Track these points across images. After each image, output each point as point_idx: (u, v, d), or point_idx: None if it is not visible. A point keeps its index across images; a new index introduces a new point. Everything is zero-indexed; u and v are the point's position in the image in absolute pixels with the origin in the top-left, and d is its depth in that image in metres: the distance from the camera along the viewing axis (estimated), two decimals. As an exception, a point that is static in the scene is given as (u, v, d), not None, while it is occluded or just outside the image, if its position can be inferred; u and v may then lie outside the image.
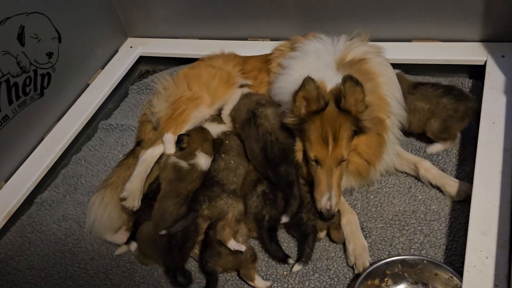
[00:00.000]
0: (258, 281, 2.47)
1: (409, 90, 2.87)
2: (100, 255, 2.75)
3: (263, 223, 2.52)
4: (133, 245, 2.65)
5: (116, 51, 4.10)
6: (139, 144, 3.12)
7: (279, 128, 2.63)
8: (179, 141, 2.84)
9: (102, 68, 3.93)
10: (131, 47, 4.13)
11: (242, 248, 2.43)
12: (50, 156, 3.27)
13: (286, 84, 2.62)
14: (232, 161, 2.75)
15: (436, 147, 2.91)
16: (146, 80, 3.98)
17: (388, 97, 2.58)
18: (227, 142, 2.85)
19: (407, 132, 2.88)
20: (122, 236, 2.76)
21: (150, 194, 2.80)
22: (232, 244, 2.43)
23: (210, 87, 3.04)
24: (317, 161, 2.43)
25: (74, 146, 3.51)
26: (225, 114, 3.00)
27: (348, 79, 2.27)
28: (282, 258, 2.50)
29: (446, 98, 2.81)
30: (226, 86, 3.07)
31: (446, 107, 2.79)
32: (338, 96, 2.34)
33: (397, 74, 2.85)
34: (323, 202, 2.43)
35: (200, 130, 2.95)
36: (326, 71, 2.51)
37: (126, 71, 3.96)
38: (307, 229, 2.48)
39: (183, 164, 2.76)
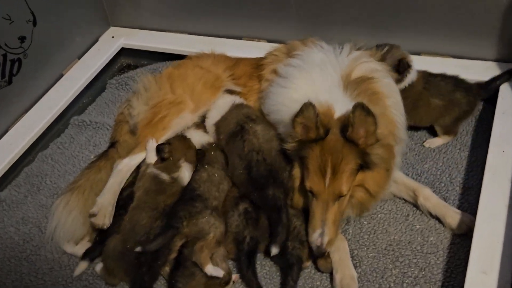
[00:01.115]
0: None
1: (424, 85, 2.98)
2: (60, 266, 2.73)
3: (243, 245, 2.52)
4: (99, 266, 2.61)
5: (96, 41, 4.11)
6: (113, 146, 3.11)
7: (269, 148, 2.65)
8: (159, 151, 2.84)
9: (79, 58, 3.94)
10: (113, 37, 4.14)
11: (220, 273, 2.43)
12: (14, 151, 3.27)
13: (286, 100, 2.60)
14: (216, 174, 2.75)
15: (437, 141, 3.04)
16: (127, 75, 3.99)
17: (397, 122, 2.59)
18: (212, 153, 2.86)
19: (410, 126, 2.97)
20: (84, 248, 2.73)
21: (120, 202, 2.79)
22: (210, 269, 2.43)
23: (195, 91, 3.04)
24: (312, 193, 2.44)
25: (41, 142, 3.50)
26: (210, 123, 2.99)
27: (359, 107, 2.26)
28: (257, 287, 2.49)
29: (459, 92, 2.97)
30: (212, 90, 3.06)
31: (460, 103, 2.96)
32: (345, 124, 2.33)
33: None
34: (314, 237, 2.42)
35: (181, 137, 2.95)
36: (332, 91, 2.51)
37: (106, 63, 3.97)
38: (292, 259, 2.48)
39: (165, 177, 2.76)
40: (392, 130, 2.54)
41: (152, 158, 2.87)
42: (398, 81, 2.89)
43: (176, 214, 2.56)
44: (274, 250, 2.47)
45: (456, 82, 3.03)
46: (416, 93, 2.97)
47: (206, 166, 2.77)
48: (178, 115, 2.98)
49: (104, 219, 2.69)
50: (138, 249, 2.44)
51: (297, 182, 2.55)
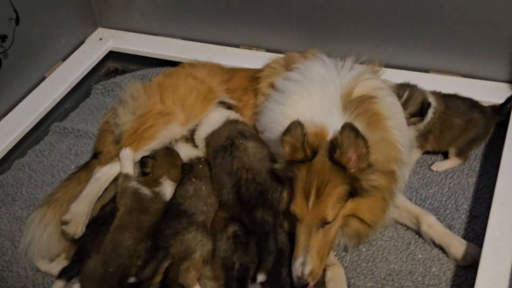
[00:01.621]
0: None
1: (445, 106, 3.03)
2: (34, 284, 2.72)
3: (233, 272, 2.51)
4: (76, 287, 2.58)
5: (82, 42, 4.11)
6: (96, 157, 3.11)
7: (260, 167, 2.65)
8: (142, 164, 2.84)
9: (63, 60, 3.94)
10: (100, 39, 4.14)
11: None
12: (-12, 158, 3.25)
13: (281, 118, 2.60)
14: (203, 188, 2.75)
15: (445, 165, 3.09)
16: (114, 80, 4.00)
17: (400, 145, 2.59)
18: (200, 166, 2.86)
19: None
20: (59, 266, 2.71)
21: (101, 219, 2.78)
22: None
23: (185, 103, 3.04)
24: (296, 218, 2.43)
25: (19, 149, 3.49)
26: (200, 136, 3.00)
27: (348, 128, 2.26)
28: None
29: (476, 113, 3.04)
30: (205, 103, 3.06)
31: (478, 123, 3.03)
32: (334, 146, 2.32)
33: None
34: (295, 266, 2.40)
35: (168, 152, 2.95)
36: (329, 111, 2.51)
37: (92, 66, 3.98)
38: (285, 285, 2.48)
39: (146, 191, 2.76)
40: (394, 155, 2.53)
41: (127, 167, 2.88)
42: (419, 121, 2.98)
43: (162, 233, 2.55)
44: (260, 278, 2.48)
45: (472, 102, 3.10)
46: (440, 117, 3.01)
47: (193, 179, 2.77)
48: (166, 126, 2.99)
49: (77, 229, 2.69)
50: (132, 279, 2.44)
51: (285, 205, 2.56)
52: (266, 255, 2.49)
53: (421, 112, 2.93)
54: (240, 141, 2.77)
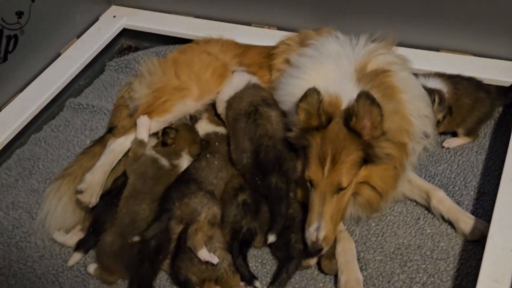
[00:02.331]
0: None
1: (453, 87, 3.05)
2: (51, 254, 2.78)
3: (239, 235, 2.58)
4: (91, 267, 2.64)
5: (97, 19, 4.13)
6: (111, 131, 3.16)
7: (280, 136, 2.70)
8: (164, 134, 2.88)
9: (78, 37, 3.97)
10: (114, 16, 4.17)
11: (215, 260, 2.46)
12: (6, 133, 3.30)
13: (297, 91, 2.59)
14: (215, 162, 2.81)
15: (456, 141, 3.13)
16: (127, 57, 4.03)
17: (413, 117, 2.63)
18: (216, 144, 2.91)
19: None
20: (74, 237, 2.78)
21: (114, 191, 2.84)
22: (203, 254, 2.46)
23: (201, 78, 3.08)
24: (311, 183, 2.48)
25: (35, 123, 3.54)
26: (222, 99, 3.05)
27: (364, 96, 2.30)
28: (247, 278, 2.53)
29: (482, 92, 3.07)
30: (220, 80, 3.11)
31: (484, 101, 3.05)
32: (350, 114, 2.37)
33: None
34: (309, 232, 2.45)
35: (190, 128, 3.01)
36: (344, 83, 2.55)
37: (106, 44, 4.00)
38: (293, 252, 2.54)
39: (164, 162, 2.81)
40: (406, 127, 2.57)
41: (142, 133, 2.92)
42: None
43: (169, 195, 2.61)
44: (271, 238, 2.55)
45: (477, 82, 3.13)
46: (451, 99, 3.03)
47: (207, 156, 2.83)
48: (181, 101, 3.04)
49: (91, 198, 2.75)
50: (136, 238, 2.49)
51: (298, 174, 2.61)
52: (278, 218, 2.56)
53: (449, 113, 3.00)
54: (264, 109, 2.83)
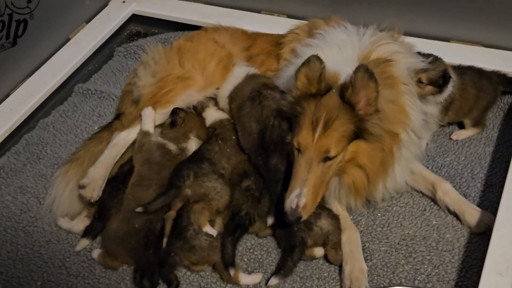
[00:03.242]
0: (244, 277, 2.54)
1: (460, 79, 3.02)
2: (58, 239, 2.80)
3: (237, 217, 2.61)
4: (95, 253, 2.67)
5: (106, 4, 4.13)
6: (118, 118, 3.18)
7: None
8: (173, 113, 2.90)
9: (87, 22, 3.98)
10: (124, 1, 4.16)
11: (215, 233, 2.51)
12: (14, 117, 3.32)
13: None
14: (228, 150, 2.82)
15: (464, 133, 3.12)
16: (136, 43, 4.02)
17: (410, 109, 2.62)
18: (227, 131, 2.92)
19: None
20: (80, 224, 2.79)
21: (120, 177, 2.86)
22: (208, 229, 2.51)
23: (206, 69, 3.08)
24: (299, 149, 2.46)
25: (43, 108, 3.56)
26: (223, 95, 3.05)
27: (362, 69, 2.31)
28: (225, 262, 2.53)
29: (484, 80, 3.07)
30: (226, 72, 3.10)
31: (487, 89, 3.05)
32: (346, 87, 2.37)
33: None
34: (290, 198, 2.41)
35: (197, 114, 3.02)
36: (344, 65, 2.55)
37: (115, 29, 4.01)
38: (295, 241, 2.55)
39: (172, 147, 2.82)
40: (402, 118, 2.56)
41: (148, 125, 2.93)
42: (437, 93, 2.90)
43: (180, 172, 2.63)
44: (269, 221, 2.57)
45: (478, 70, 3.12)
46: (459, 88, 3.00)
47: (220, 141, 2.84)
48: (184, 91, 3.04)
49: (93, 192, 2.76)
50: (139, 209, 2.52)
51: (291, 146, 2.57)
52: (274, 197, 2.58)
53: (440, 82, 2.87)
54: (268, 92, 2.84)
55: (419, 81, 2.81)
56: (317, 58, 2.40)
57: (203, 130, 2.94)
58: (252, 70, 3.08)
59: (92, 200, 2.76)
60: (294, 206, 2.37)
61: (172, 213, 2.58)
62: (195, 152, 2.82)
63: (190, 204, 2.60)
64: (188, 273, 2.62)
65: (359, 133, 2.41)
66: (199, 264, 2.57)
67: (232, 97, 3.00)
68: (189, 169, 2.63)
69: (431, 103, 2.92)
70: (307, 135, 2.41)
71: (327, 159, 2.41)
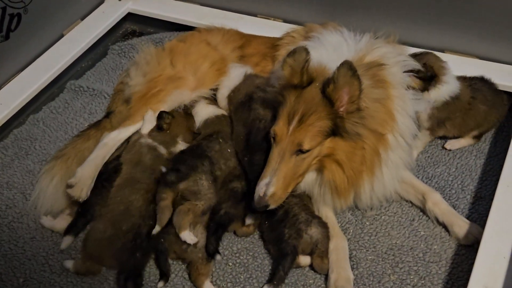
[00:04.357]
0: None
1: (471, 94, 3.00)
2: (42, 236, 2.78)
3: (216, 216, 2.63)
4: (69, 263, 2.60)
5: (102, 2, 4.11)
6: (108, 116, 3.17)
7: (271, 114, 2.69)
8: (159, 118, 2.89)
9: (82, 19, 3.95)
10: (119, 0, 4.14)
11: (194, 240, 2.49)
12: (4, 111, 3.30)
13: None
14: (228, 150, 2.82)
15: (458, 143, 3.09)
16: (131, 42, 4.01)
17: (398, 113, 2.60)
18: (226, 129, 2.94)
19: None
20: (63, 222, 2.77)
21: (105, 174, 2.83)
22: (185, 235, 2.48)
23: (198, 70, 3.08)
24: (274, 139, 2.46)
25: (34, 104, 3.53)
26: (223, 95, 3.06)
27: (346, 65, 2.30)
28: (210, 251, 2.54)
29: (500, 98, 3.07)
30: (218, 74, 3.10)
31: (500, 108, 3.06)
32: (328, 82, 2.37)
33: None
34: (259, 186, 2.43)
35: (185, 116, 3.00)
36: (336, 62, 2.49)
37: (110, 27, 3.99)
38: (287, 248, 2.53)
39: (163, 151, 2.81)
40: (388, 120, 2.55)
41: (148, 129, 2.92)
42: (421, 87, 2.85)
43: (185, 162, 2.67)
44: (248, 221, 2.61)
45: (495, 87, 3.10)
46: (464, 105, 2.98)
47: (220, 140, 2.84)
48: (175, 91, 3.04)
49: (81, 192, 2.73)
50: (163, 169, 2.62)
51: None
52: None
53: (426, 77, 2.84)
54: (258, 95, 2.84)
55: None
56: (304, 49, 2.41)
57: (189, 135, 2.94)
58: (250, 70, 3.09)
59: (80, 200, 2.73)
60: (261, 194, 2.41)
61: (168, 203, 2.57)
62: (196, 146, 2.81)
63: (176, 200, 2.60)
64: (172, 275, 2.60)
65: (336, 130, 2.41)
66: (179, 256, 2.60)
67: (231, 98, 3.02)
68: (193, 161, 2.66)
69: (422, 101, 2.86)
70: (282, 126, 2.42)
71: (300, 152, 2.42)
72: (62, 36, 3.80)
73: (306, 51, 2.41)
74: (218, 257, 2.56)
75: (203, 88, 3.07)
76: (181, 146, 2.87)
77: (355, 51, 2.69)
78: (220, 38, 3.27)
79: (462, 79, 3.05)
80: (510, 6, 3.17)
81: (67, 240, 2.68)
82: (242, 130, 2.80)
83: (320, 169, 2.55)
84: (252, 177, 2.63)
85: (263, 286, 2.53)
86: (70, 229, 2.69)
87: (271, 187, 2.41)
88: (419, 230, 2.76)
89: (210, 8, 4.00)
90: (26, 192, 2.99)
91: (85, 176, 2.78)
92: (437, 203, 2.74)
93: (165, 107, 3.00)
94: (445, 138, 3.15)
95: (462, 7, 3.28)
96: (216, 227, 2.60)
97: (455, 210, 2.77)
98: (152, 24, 4.16)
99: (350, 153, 2.47)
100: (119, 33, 4.21)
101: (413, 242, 2.71)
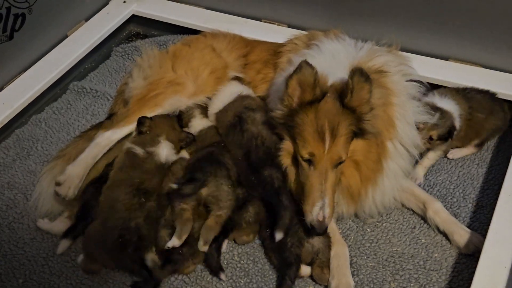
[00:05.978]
0: None
1: (469, 106, 3.02)
2: (43, 237, 2.78)
3: None
4: (80, 258, 2.62)
5: (106, 4, 4.12)
6: (110, 118, 3.17)
7: (266, 130, 2.71)
8: (139, 124, 2.88)
9: (86, 20, 3.96)
10: (124, 1, 4.15)
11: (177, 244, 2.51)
12: (6, 111, 3.30)
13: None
14: (239, 158, 2.80)
15: (461, 152, 3.11)
16: (135, 44, 4.02)
17: (398, 121, 2.62)
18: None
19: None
20: (60, 225, 2.76)
21: (105, 177, 2.81)
22: (175, 241, 2.50)
23: (199, 77, 3.06)
24: (310, 161, 2.45)
25: (36, 104, 3.54)
26: (211, 112, 3.03)
27: (358, 72, 2.31)
28: (213, 268, 2.56)
29: (496, 105, 3.07)
30: (217, 82, 3.08)
31: (498, 115, 3.06)
32: (342, 91, 2.38)
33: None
34: (315, 212, 2.42)
35: (165, 116, 3.00)
36: (334, 70, 2.54)
37: (114, 28, 3.99)
38: (290, 257, 2.52)
39: (138, 150, 2.80)
40: (388, 127, 2.58)
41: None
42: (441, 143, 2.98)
43: (203, 169, 2.66)
44: (278, 236, 2.50)
45: (492, 94, 3.11)
46: (465, 121, 2.99)
47: (229, 151, 2.84)
48: (174, 96, 3.02)
49: (68, 190, 2.73)
50: (174, 186, 2.65)
51: (286, 158, 2.58)
52: (282, 210, 2.53)
53: (447, 136, 2.93)
54: (248, 114, 2.84)
55: (431, 138, 2.88)
56: (307, 64, 2.39)
57: (174, 133, 2.92)
58: (246, 91, 3.05)
59: (67, 198, 2.73)
60: (321, 219, 2.41)
61: (190, 216, 2.58)
62: (209, 154, 2.79)
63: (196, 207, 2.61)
64: (172, 278, 2.60)
65: (358, 132, 2.44)
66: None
67: (218, 118, 2.99)
68: (211, 168, 2.66)
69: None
70: (318, 146, 2.41)
71: (338, 164, 2.44)
72: (66, 37, 3.81)
73: (309, 65, 2.38)
74: (222, 275, 2.56)
75: (201, 95, 3.05)
76: (164, 145, 2.85)
77: (354, 58, 2.69)
78: (226, 45, 3.26)
79: (455, 91, 3.07)
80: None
81: (64, 244, 2.68)
82: (239, 152, 2.76)
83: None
84: (267, 195, 2.61)
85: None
86: (68, 233, 2.69)
87: (326, 209, 2.41)
88: (420, 237, 2.76)
89: (215, 12, 4.01)
90: (27, 192, 2.99)
91: (73, 175, 2.77)
92: (438, 212, 2.74)
93: (162, 111, 3.00)
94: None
95: (466, 15, 3.29)
96: (218, 234, 2.58)
97: (457, 218, 2.77)
98: (156, 27, 4.16)
99: (367, 151, 2.51)
100: (123, 35, 4.22)
101: (414, 249, 2.72)
